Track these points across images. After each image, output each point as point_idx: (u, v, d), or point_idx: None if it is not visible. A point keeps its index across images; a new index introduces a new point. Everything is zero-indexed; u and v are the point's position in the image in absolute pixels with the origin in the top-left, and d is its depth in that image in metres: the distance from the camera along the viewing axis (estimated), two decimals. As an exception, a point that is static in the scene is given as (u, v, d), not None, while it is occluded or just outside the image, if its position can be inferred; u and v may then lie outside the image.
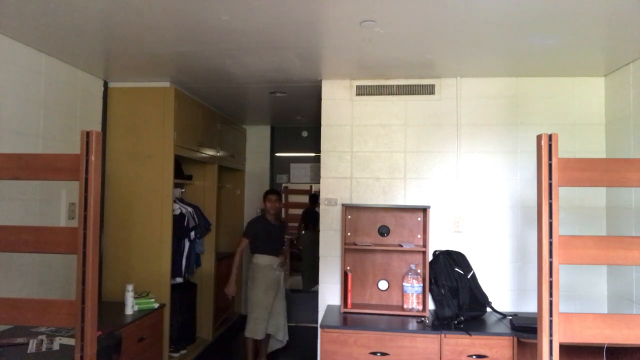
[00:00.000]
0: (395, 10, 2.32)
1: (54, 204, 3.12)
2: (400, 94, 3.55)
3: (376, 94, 3.57)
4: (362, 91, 3.58)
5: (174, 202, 3.99)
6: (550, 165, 1.43)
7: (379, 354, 2.87)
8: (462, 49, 2.90)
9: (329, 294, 3.54)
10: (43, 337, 2.59)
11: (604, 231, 3.29)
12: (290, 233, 6.47)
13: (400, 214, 3.44)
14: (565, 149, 3.26)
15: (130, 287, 3.28)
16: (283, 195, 6.34)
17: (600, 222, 3.32)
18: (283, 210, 6.48)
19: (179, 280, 4.19)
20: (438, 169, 3.50)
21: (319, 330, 2.99)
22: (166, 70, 3.49)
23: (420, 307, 3.21)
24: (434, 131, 3.52)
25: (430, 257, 3.29)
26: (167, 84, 3.78)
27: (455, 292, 3.15)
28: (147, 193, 3.72)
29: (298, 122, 5.88)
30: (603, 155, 3.33)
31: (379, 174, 3.55)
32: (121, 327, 2.95)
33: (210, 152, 4.67)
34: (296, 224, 6.58)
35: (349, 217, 3.46)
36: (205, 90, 4.12)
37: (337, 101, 3.62)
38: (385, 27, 2.54)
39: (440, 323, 2.98)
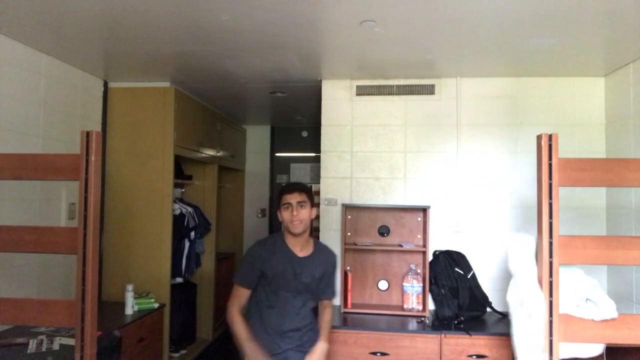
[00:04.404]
0: (395, 10, 2.32)
1: (54, 204, 3.12)
2: (400, 94, 3.55)
3: (376, 94, 3.57)
4: (362, 91, 3.58)
5: (174, 202, 3.99)
6: (550, 165, 1.43)
7: (379, 354, 2.87)
8: (462, 49, 2.89)
9: (329, 294, 3.54)
10: (43, 337, 2.59)
11: (604, 231, 3.29)
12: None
13: (400, 214, 3.44)
14: (565, 149, 3.25)
15: (130, 287, 3.28)
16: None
17: (600, 222, 3.32)
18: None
19: (179, 280, 4.19)
20: (438, 169, 3.50)
21: (319, 330, 2.98)
22: (166, 70, 3.49)
23: (420, 307, 3.21)
24: (433, 131, 3.52)
25: (430, 257, 3.29)
26: (167, 84, 3.77)
27: (455, 292, 3.15)
28: (147, 193, 3.72)
29: (298, 122, 5.88)
30: (603, 155, 3.33)
31: (379, 174, 3.55)
32: (121, 327, 2.95)
33: (210, 152, 4.66)
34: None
35: (349, 217, 3.46)
36: (205, 90, 4.12)
37: (337, 101, 3.62)
38: (385, 27, 2.54)
39: (440, 323, 2.98)
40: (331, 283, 2.44)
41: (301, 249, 2.33)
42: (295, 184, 2.35)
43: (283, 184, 2.80)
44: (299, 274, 2.27)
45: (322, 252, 2.40)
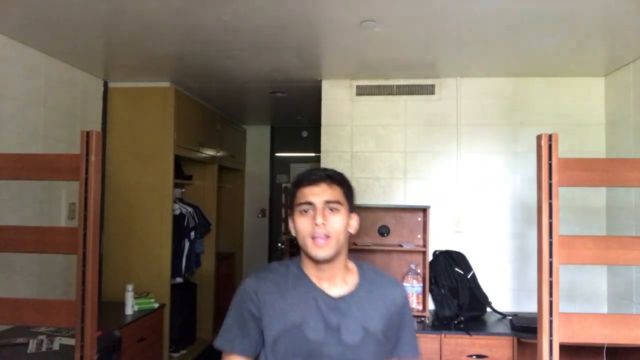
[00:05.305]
0: (395, 10, 2.32)
1: (54, 204, 3.12)
2: (400, 94, 3.55)
3: (376, 94, 3.57)
4: (362, 91, 3.58)
5: (174, 202, 3.99)
6: (550, 165, 1.43)
7: (379, 354, 2.87)
8: (462, 49, 2.89)
9: (329, 294, 3.53)
10: (43, 337, 2.59)
11: (604, 231, 3.29)
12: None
13: (400, 214, 3.43)
14: (565, 149, 3.26)
15: (130, 287, 3.28)
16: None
17: (600, 222, 3.32)
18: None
19: (179, 280, 4.19)
20: (438, 169, 3.50)
21: (319, 330, 2.97)
22: (166, 70, 3.49)
23: (420, 307, 3.21)
24: (434, 131, 3.52)
25: (430, 257, 3.29)
26: (167, 84, 3.77)
27: (455, 292, 3.15)
28: (147, 193, 3.72)
29: (298, 122, 5.88)
30: (603, 155, 3.32)
31: (379, 174, 3.55)
32: (121, 327, 2.95)
33: (210, 152, 4.66)
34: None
35: (349, 217, 3.45)
36: (205, 90, 4.11)
37: (337, 101, 3.62)
38: (385, 27, 2.54)
39: (440, 323, 2.98)
40: (409, 336, 1.36)
41: (332, 282, 1.29)
42: (322, 170, 1.30)
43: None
44: (336, 329, 1.23)
45: (374, 284, 1.33)
